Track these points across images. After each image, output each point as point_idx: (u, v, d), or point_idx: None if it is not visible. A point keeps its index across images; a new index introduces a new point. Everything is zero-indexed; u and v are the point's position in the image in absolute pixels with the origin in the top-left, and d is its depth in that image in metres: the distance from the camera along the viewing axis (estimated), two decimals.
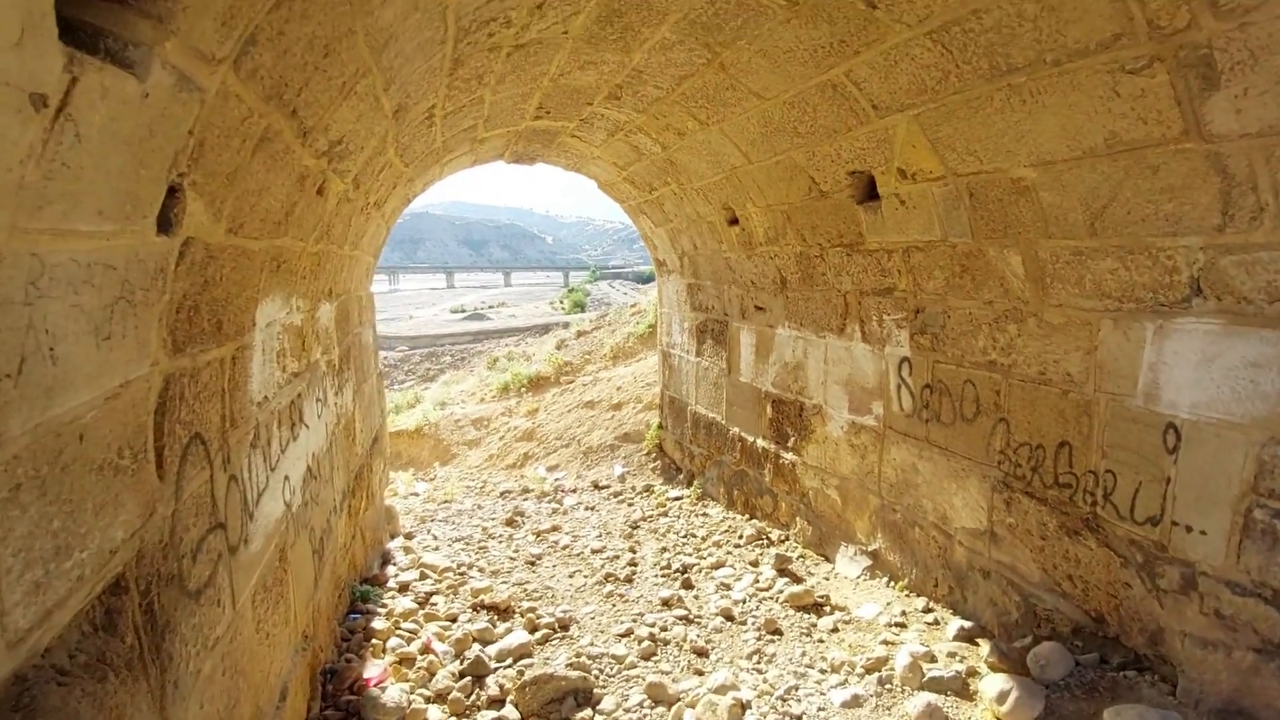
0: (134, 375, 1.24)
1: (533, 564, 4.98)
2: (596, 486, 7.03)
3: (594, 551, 5.15)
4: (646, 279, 30.78)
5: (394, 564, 4.80)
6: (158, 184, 1.16)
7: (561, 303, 26.28)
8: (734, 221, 4.99)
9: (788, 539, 4.97)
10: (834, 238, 3.99)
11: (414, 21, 2.08)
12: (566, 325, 14.70)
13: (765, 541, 5.02)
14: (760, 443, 5.38)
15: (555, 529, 5.73)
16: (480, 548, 5.32)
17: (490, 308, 29.05)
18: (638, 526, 5.69)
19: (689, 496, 6.31)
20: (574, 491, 6.92)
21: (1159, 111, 2.01)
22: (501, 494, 7.03)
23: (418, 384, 15.98)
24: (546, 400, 9.50)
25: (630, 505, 6.35)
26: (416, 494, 7.14)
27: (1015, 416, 3.02)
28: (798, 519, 4.91)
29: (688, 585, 4.42)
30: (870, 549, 4.16)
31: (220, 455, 1.76)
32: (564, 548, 5.29)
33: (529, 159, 6.25)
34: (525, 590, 4.44)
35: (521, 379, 10.08)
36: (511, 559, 5.07)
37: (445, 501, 6.76)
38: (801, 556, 4.68)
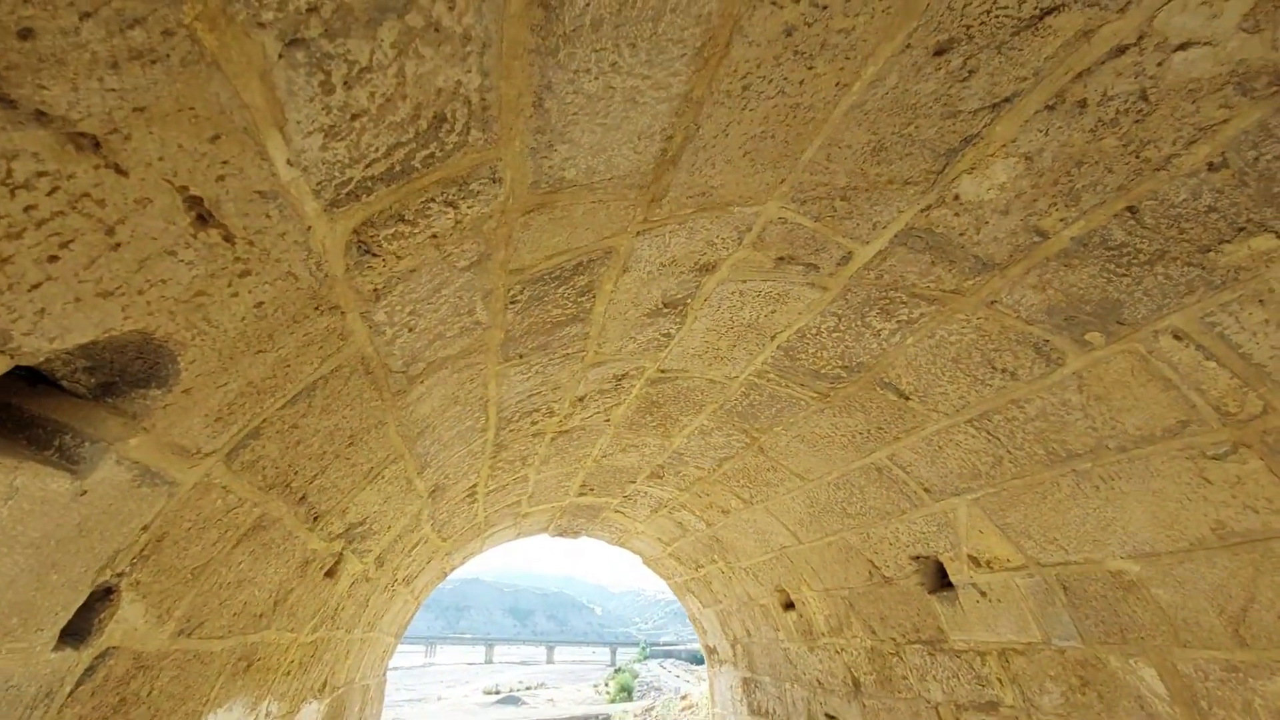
0: None
1: None
2: None
3: None
4: (700, 659, 27.77)
5: None
6: (74, 589, 0.98)
7: (607, 685, 23.43)
8: (789, 605, 4.49)
9: None
10: (909, 632, 3.43)
11: (453, 414, 2.17)
12: None
13: None
14: None
15: None
16: None
17: (528, 689, 26.05)
18: None
19: None
20: None
21: (1269, 499, 1.74)
22: None
23: None
24: None
25: None
26: None
27: None
28: None
29: None
30: None
31: None
32: None
33: (573, 533, 6.17)
34: None
35: None
36: None
37: None
38: None
